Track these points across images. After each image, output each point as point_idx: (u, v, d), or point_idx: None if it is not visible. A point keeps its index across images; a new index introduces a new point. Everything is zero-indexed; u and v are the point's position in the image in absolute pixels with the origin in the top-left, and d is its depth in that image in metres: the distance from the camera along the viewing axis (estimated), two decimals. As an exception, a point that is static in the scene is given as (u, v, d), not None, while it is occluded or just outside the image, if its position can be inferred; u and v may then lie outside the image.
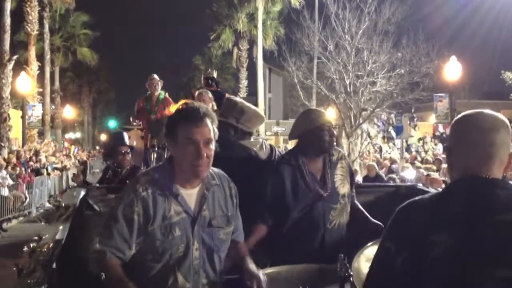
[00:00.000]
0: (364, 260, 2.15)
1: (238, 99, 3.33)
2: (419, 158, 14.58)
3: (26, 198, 13.39)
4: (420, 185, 4.47)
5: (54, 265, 2.34)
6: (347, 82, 14.44)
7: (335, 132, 2.98)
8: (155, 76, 7.24)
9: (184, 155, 2.00)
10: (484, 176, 1.41)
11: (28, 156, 16.68)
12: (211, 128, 2.03)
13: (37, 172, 15.24)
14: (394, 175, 9.80)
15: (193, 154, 1.97)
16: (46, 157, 18.12)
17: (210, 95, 6.09)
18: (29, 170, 14.60)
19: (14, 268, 2.79)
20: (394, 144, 23.27)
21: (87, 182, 5.94)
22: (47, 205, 15.49)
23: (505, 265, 1.28)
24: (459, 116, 1.53)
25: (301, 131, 2.95)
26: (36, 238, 3.11)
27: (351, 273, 1.93)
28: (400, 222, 1.45)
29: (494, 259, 1.29)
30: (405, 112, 15.85)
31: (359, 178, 13.18)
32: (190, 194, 2.09)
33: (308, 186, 2.87)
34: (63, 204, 3.41)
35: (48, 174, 16.43)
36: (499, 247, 1.30)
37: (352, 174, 3.13)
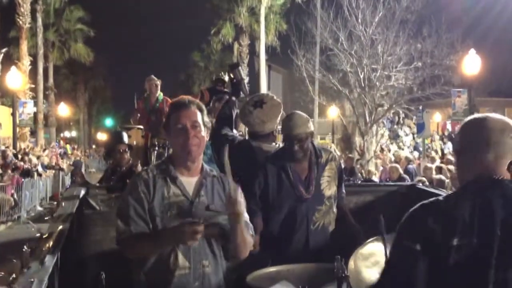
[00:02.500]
0: (361, 259, 2.22)
1: (250, 105, 3.34)
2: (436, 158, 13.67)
3: (15, 202, 12.53)
4: (420, 185, 4.49)
5: (54, 264, 2.31)
6: (361, 76, 13.38)
7: (306, 143, 2.97)
8: (153, 77, 7.37)
9: (177, 140, 2.20)
10: (494, 177, 1.44)
11: (20, 156, 15.71)
12: (198, 113, 2.22)
13: (27, 173, 14.25)
14: (423, 178, 8.73)
15: (183, 136, 2.17)
16: (38, 157, 17.14)
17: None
18: (13, 171, 13.56)
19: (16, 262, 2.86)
20: (403, 143, 22.45)
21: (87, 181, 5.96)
22: (39, 208, 14.73)
23: None
24: (467, 118, 1.57)
25: (283, 135, 3.05)
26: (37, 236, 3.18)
27: (348, 273, 1.99)
28: (419, 222, 1.43)
29: (508, 260, 1.31)
30: (426, 108, 14.75)
31: (375, 179, 12.26)
32: (189, 182, 2.24)
33: (292, 186, 2.95)
34: (63, 204, 3.40)
35: (40, 175, 15.48)
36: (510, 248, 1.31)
37: (341, 175, 3.19)
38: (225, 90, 7.01)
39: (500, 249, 1.33)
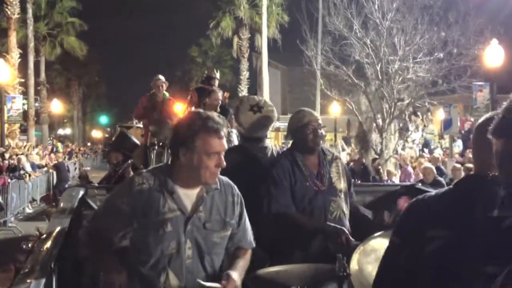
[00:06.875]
0: (363, 257, 2.24)
1: (246, 105, 3.34)
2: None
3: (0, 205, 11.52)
4: (419, 185, 4.54)
5: (52, 265, 2.27)
6: (378, 67, 12.27)
7: (321, 131, 3.03)
8: (161, 77, 7.44)
9: (202, 163, 2.06)
10: (486, 175, 1.43)
11: (8, 155, 14.62)
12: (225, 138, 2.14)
13: (13, 171, 13.17)
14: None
15: (214, 163, 2.06)
16: (26, 155, 16.06)
17: (221, 93, 6.42)
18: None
19: (12, 268, 3.08)
20: (413, 140, 21.56)
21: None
22: (28, 210, 13.91)
23: (494, 261, 1.27)
24: (481, 119, 1.53)
25: (291, 130, 3.15)
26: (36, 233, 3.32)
27: (349, 272, 2.06)
28: (405, 218, 1.51)
29: (484, 255, 1.29)
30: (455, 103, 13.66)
31: (395, 180, 11.21)
32: (189, 195, 2.14)
33: (306, 179, 3.02)
34: (61, 204, 3.33)
35: (29, 175, 14.42)
36: (489, 243, 1.31)
37: (348, 174, 3.27)
38: (213, 87, 6.82)
39: (472, 243, 1.30)
